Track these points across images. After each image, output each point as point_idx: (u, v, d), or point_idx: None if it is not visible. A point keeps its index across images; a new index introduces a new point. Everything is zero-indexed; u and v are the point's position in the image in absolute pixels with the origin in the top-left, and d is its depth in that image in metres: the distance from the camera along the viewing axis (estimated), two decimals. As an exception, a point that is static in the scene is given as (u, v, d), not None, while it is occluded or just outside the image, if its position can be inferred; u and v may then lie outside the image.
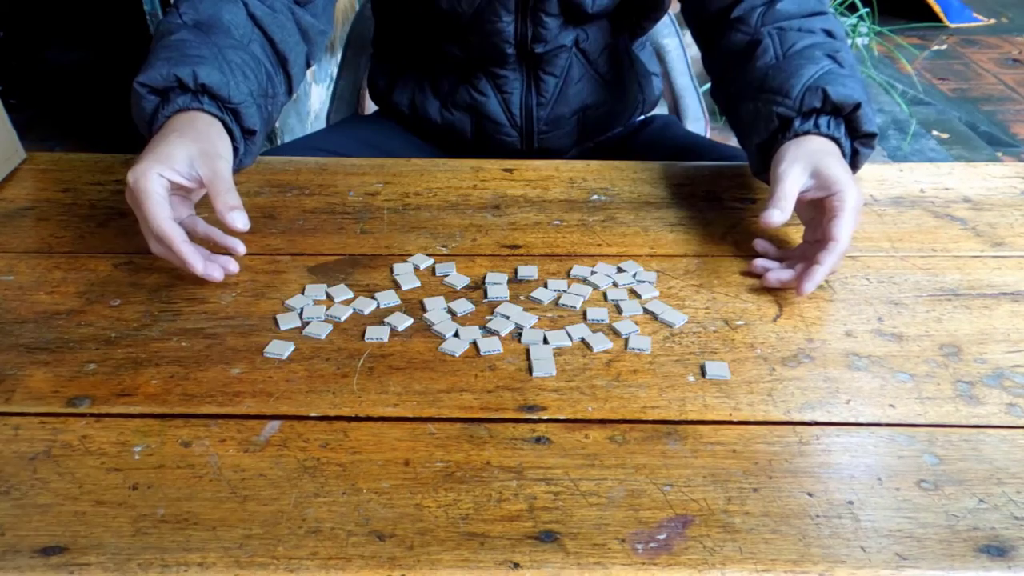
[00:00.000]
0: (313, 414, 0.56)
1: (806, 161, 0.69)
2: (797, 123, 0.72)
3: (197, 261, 0.64)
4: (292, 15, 0.82)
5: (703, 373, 0.59)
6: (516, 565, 0.45)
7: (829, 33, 0.80)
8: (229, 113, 0.71)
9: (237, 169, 0.72)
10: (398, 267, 0.71)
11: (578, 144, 1.04)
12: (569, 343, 0.62)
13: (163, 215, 0.63)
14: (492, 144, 0.99)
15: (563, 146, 1.02)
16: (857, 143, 0.74)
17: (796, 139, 0.72)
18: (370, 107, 1.20)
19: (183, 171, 0.65)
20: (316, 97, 2.35)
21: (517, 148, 1.00)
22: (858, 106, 0.72)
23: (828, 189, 0.67)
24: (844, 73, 0.74)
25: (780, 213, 0.67)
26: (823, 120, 0.72)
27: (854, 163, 0.75)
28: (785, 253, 0.72)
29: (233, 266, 0.68)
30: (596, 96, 1.00)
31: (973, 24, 3.66)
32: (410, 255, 0.72)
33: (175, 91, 0.70)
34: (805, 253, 0.69)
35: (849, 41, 2.44)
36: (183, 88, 0.70)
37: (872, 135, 0.74)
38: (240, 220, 0.64)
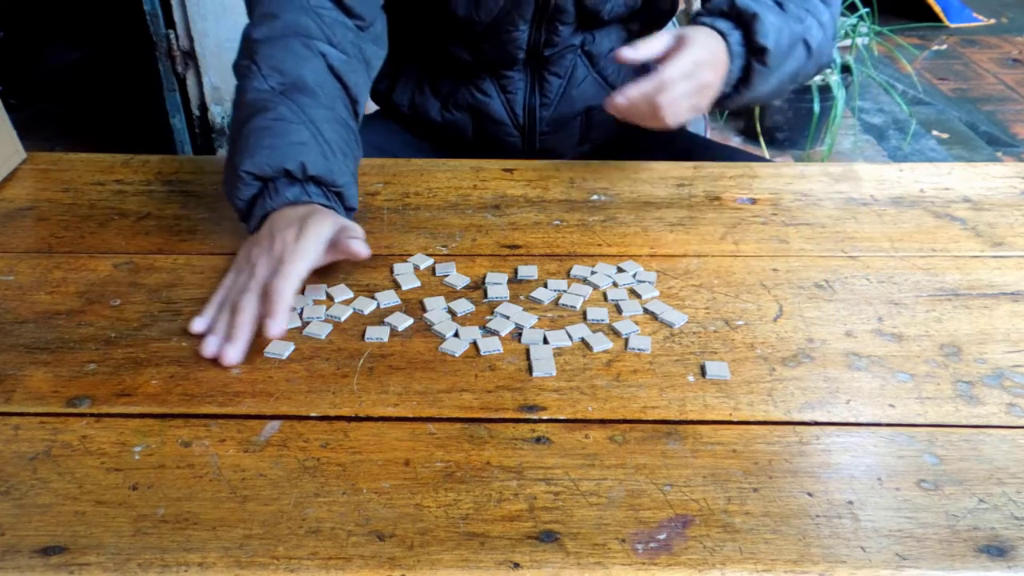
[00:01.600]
0: (313, 414, 0.56)
1: (682, 32, 0.78)
2: (700, 16, 0.82)
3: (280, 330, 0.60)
4: (360, 51, 0.81)
5: (703, 373, 0.59)
6: (516, 565, 0.45)
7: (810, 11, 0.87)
8: (335, 197, 0.71)
9: None
10: (398, 267, 0.71)
11: (579, 145, 1.04)
12: (569, 343, 0.62)
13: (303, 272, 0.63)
14: (493, 144, 0.99)
15: (565, 147, 1.02)
16: (754, 59, 0.81)
17: (691, 24, 0.81)
18: (370, 107, 1.20)
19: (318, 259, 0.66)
20: (316, 97, 2.34)
21: (518, 148, 1.00)
22: (755, 16, 0.80)
23: (679, 40, 0.76)
24: (767, 3, 0.82)
25: (632, 51, 0.75)
26: (720, 21, 0.81)
27: (747, 77, 0.82)
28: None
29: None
30: (599, 99, 1.00)
31: (973, 24, 3.67)
32: (410, 255, 0.72)
33: (281, 180, 0.69)
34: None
35: (849, 41, 2.45)
36: (291, 178, 0.69)
37: (763, 49, 0.80)
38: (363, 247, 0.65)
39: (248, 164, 0.68)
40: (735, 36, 0.80)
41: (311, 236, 0.64)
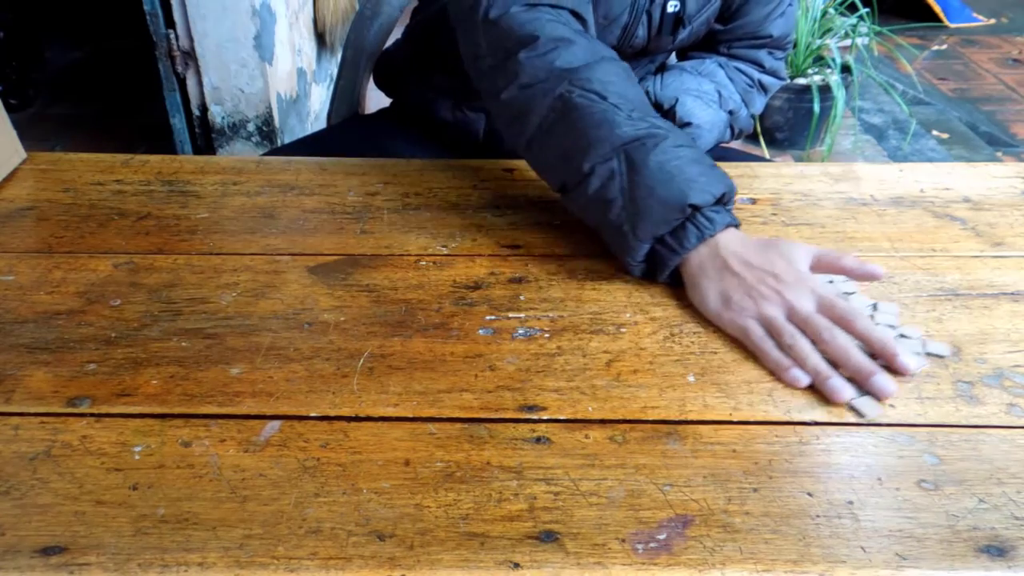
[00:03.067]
0: (313, 414, 0.56)
1: None
2: None
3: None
4: None
5: (859, 414, 0.56)
6: (516, 565, 0.45)
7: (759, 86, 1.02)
8: (731, 215, 0.68)
9: None
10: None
11: None
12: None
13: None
14: (503, 145, 0.99)
15: None
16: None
17: None
18: (370, 107, 1.20)
19: None
20: (316, 97, 2.35)
21: None
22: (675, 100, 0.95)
23: None
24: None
25: None
26: None
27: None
28: None
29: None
30: None
31: (973, 24, 3.67)
32: (410, 254, 0.72)
33: (710, 207, 0.66)
34: None
35: (849, 41, 2.45)
36: (719, 203, 0.67)
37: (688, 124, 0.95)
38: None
39: (695, 197, 0.65)
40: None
41: (804, 266, 0.64)
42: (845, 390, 0.57)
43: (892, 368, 0.58)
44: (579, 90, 0.69)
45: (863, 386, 0.58)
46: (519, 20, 0.72)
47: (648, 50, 0.94)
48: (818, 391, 0.58)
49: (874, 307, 0.66)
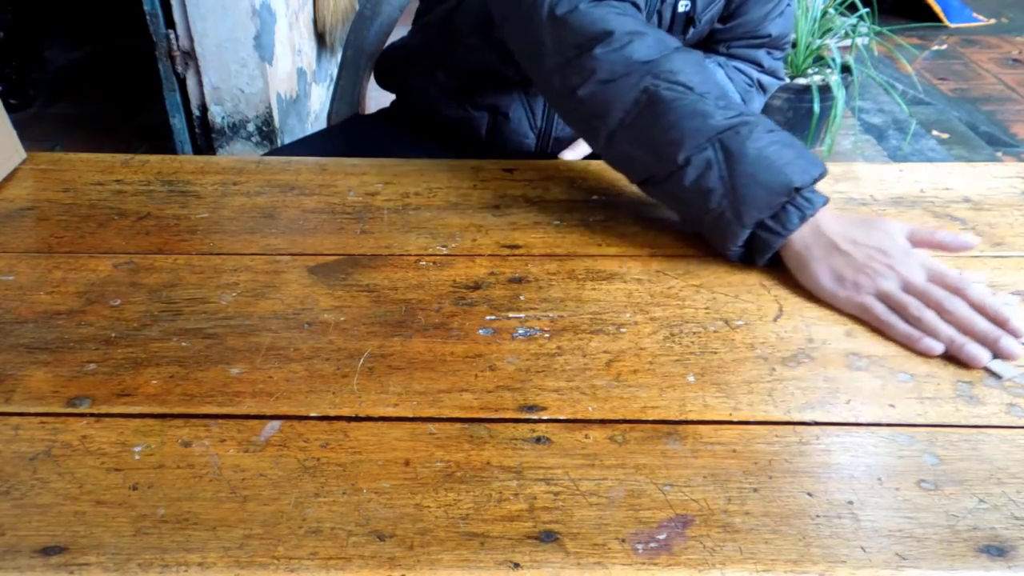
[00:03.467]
0: (313, 414, 0.56)
1: None
2: None
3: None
4: None
5: (996, 375, 0.58)
6: (516, 565, 0.45)
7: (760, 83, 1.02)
8: (823, 195, 0.69)
9: None
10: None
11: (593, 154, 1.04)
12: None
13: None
14: (505, 144, 0.99)
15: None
16: None
17: None
18: (370, 107, 1.20)
19: None
20: (316, 97, 2.35)
21: (531, 151, 0.99)
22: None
23: None
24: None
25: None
26: None
27: None
28: None
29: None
30: None
31: (973, 24, 3.67)
32: (410, 254, 0.72)
33: (809, 187, 0.68)
34: None
35: (849, 41, 2.45)
36: (815, 182, 0.69)
37: None
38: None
39: (797, 179, 0.66)
40: None
41: (903, 240, 0.66)
42: (982, 354, 0.59)
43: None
44: (665, 83, 0.69)
45: (991, 350, 0.59)
46: (590, 16, 0.72)
47: None
48: (818, 393, 0.58)
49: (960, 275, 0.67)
